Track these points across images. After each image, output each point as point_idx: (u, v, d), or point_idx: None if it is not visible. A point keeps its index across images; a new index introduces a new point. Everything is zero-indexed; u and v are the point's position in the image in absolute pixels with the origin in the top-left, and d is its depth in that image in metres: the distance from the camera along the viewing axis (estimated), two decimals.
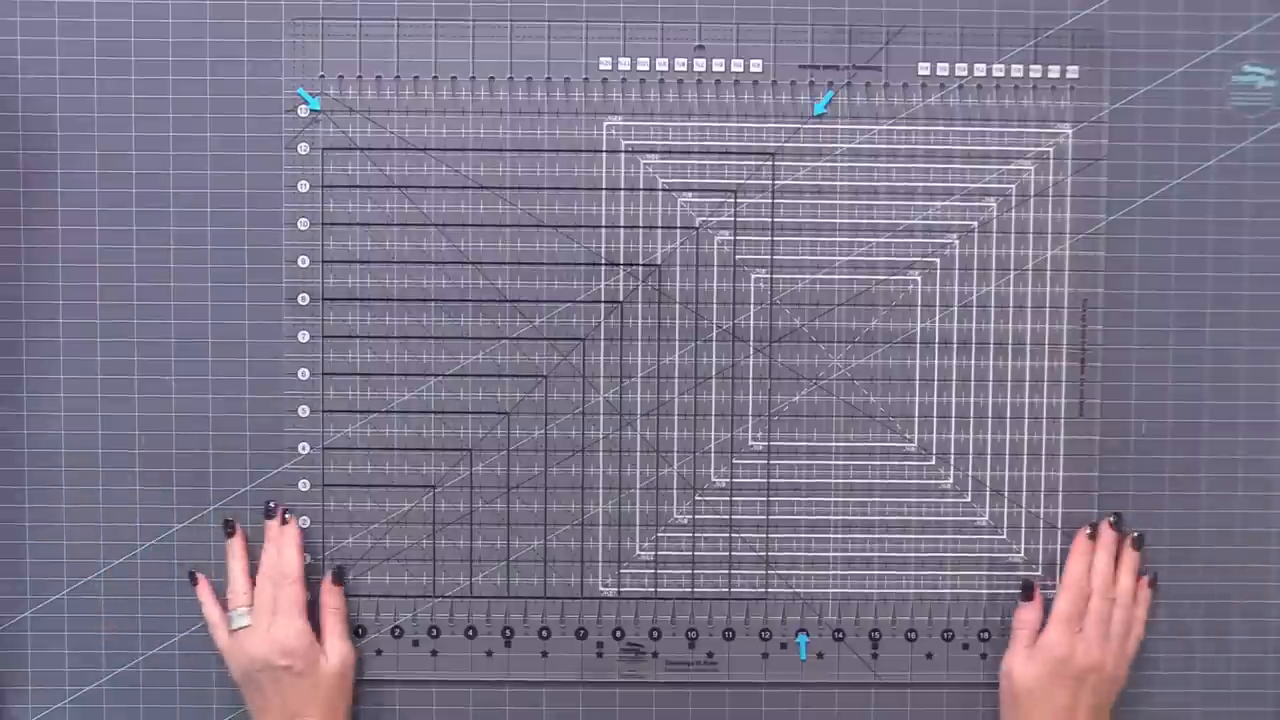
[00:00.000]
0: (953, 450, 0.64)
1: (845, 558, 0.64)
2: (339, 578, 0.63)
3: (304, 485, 0.63)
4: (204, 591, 0.63)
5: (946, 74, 0.63)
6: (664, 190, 0.63)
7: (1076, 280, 0.63)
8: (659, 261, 0.63)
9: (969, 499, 0.64)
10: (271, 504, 0.62)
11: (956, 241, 0.63)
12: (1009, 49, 0.63)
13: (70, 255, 0.63)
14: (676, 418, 0.63)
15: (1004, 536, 0.64)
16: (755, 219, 0.63)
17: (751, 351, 0.63)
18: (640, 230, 0.63)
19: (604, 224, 0.63)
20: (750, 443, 0.64)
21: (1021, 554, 0.64)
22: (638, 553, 0.64)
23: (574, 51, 0.63)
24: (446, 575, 0.64)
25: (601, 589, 0.64)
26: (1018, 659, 0.61)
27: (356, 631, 0.64)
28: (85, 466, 0.63)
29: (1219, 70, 0.63)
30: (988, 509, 0.64)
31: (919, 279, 0.63)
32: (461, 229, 0.63)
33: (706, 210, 0.63)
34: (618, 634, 0.64)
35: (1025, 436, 0.64)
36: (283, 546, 0.62)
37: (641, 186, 0.63)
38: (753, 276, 0.63)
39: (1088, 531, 0.63)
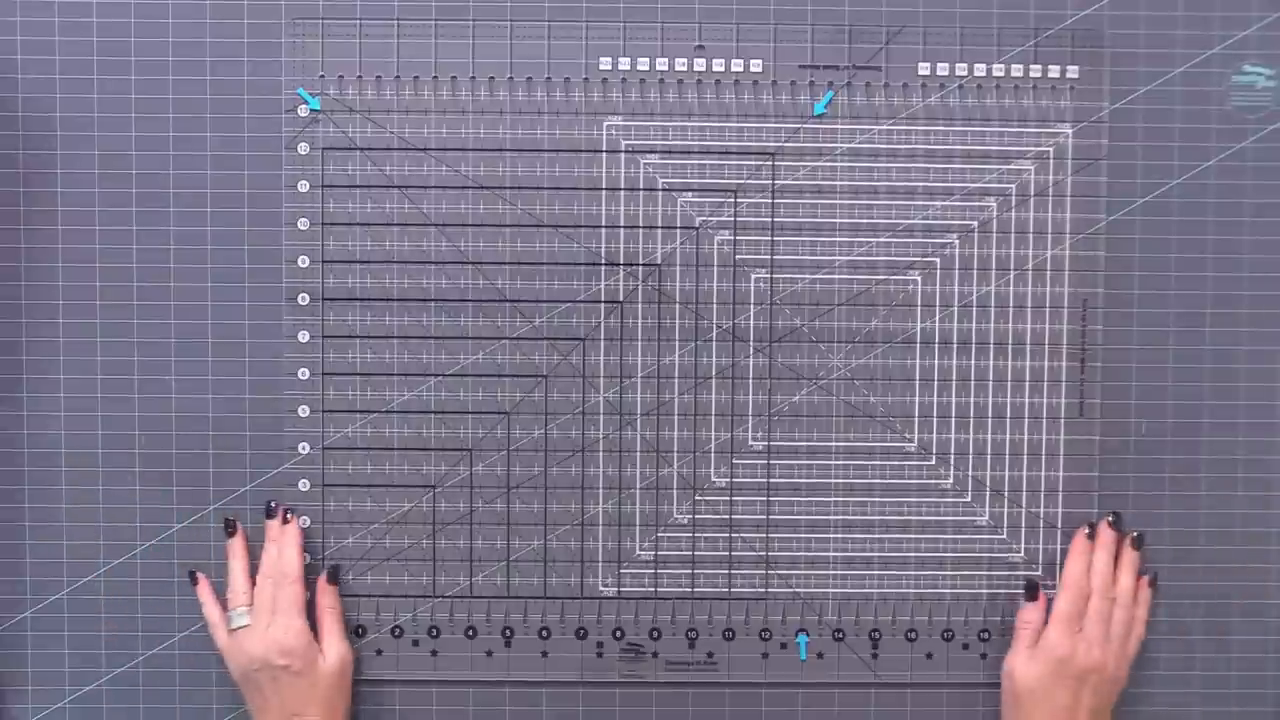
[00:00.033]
0: (953, 450, 0.64)
1: (845, 558, 0.64)
2: (334, 577, 0.63)
3: (304, 485, 0.63)
4: (204, 591, 0.63)
5: (946, 74, 0.63)
6: (664, 190, 0.63)
7: (1076, 280, 0.63)
8: (659, 261, 0.63)
9: (969, 499, 0.64)
10: (273, 503, 0.62)
11: (956, 241, 0.63)
12: (1009, 49, 0.63)
13: (70, 255, 0.63)
14: (676, 418, 0.63)
15: (1004, 536, 0.64)
16: (755, 219, 0.63)
17: (751, 351, 0.63)
18: (640, 230, 0.63)
19: (604, 224, 0.63)
20: (750, 443, 0.64)
21: (1021, 554, 0.64)
22: (638, 553, 0.64)
23: (574, 51, 0.63)
24: (446, 575, 0.64)
25: (601, 589, 0.64)
26: (1020, 659, 0.61)
27: (356, 631, 0.64)
28: (85, 466, 0.63)
29: (1219, 70, 0.63)
30: (988, 509, 0.64)
31: (919, 279, 0.63)
32: (461, 229, 0.63)
33: (706, 210, 0.63)
34: (618, 634, 0.64)
35: (1025, 436, 0.64)
36: (283, 546, 0.62)
37: (641, 186, 0.63)
38: (753, 276, 0.63)
39: (1086, 531, 0.63)
